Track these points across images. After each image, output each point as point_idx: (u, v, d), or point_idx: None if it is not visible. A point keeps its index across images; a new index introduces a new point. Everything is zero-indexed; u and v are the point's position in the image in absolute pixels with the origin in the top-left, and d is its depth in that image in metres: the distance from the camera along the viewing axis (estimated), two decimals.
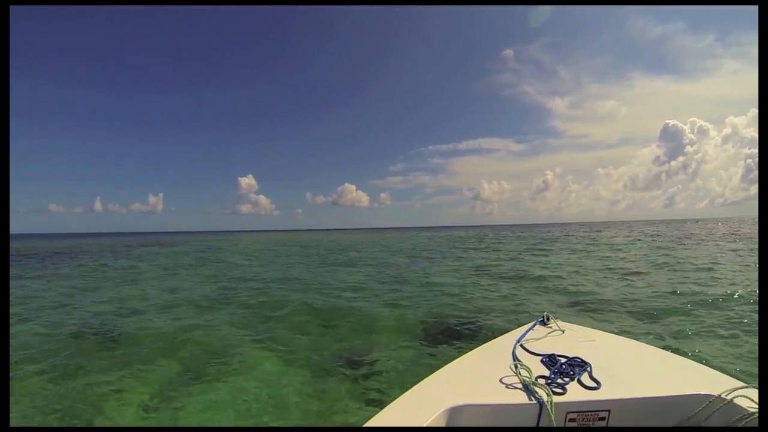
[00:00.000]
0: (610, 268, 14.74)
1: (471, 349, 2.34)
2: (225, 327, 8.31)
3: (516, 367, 1.96)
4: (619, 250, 23.74)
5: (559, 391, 1.75)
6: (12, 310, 10.11)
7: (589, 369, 1.95)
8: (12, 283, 14.99)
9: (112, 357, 6.57)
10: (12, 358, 6.41)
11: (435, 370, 2.03)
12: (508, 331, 2.66)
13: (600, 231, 63.78)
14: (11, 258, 29.67)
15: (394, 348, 6.35)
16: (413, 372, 5.10)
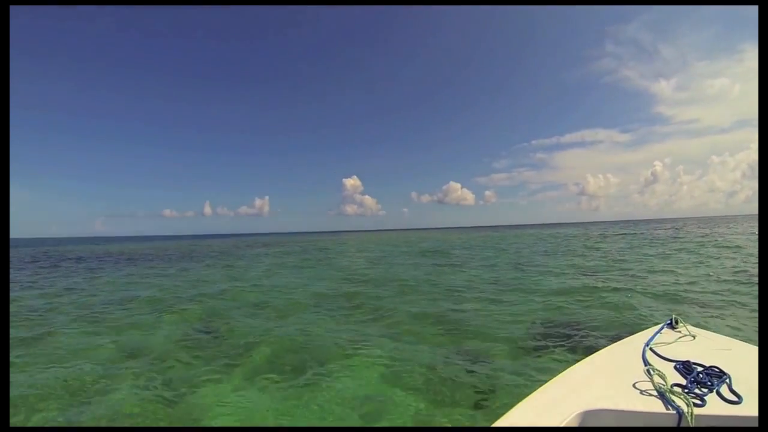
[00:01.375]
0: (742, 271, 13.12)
1: (588, 354, 2.28)
2: (328, 325, 8.55)
3: (649, 372, 1.94)
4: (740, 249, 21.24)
5: (698, 402, 1.68)
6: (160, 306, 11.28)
7: (728, 381, 1.84)
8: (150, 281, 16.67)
9: (219, 349, 7.08)
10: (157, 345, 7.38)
11: (556, 373, 2.02)
12: (634, 332, 2.63)
13: (718, 227, 58.42)
14: (143, 257, 33.59)
15: (503, 352, 6.30)
16: (527, 377, 5.11)
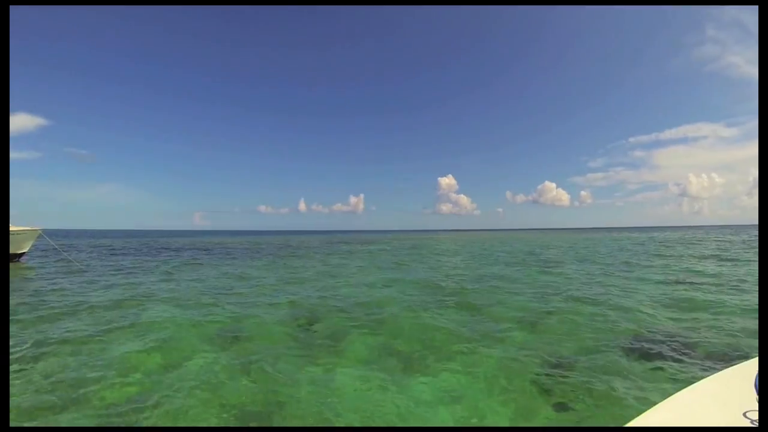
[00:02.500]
0: None
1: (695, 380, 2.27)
2: (429, 319, 8.97)
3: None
4: None
5: None
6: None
7: None
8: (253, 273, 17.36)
9: (322, 339, 7.75)
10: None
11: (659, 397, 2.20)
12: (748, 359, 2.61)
13: None
14: (240, 250, 35.66)
15: (599, 357, 6.30)
16: (626, 388, 5.11)
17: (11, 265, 22.15)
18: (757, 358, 2.45)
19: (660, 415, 1.82)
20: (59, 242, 27.23)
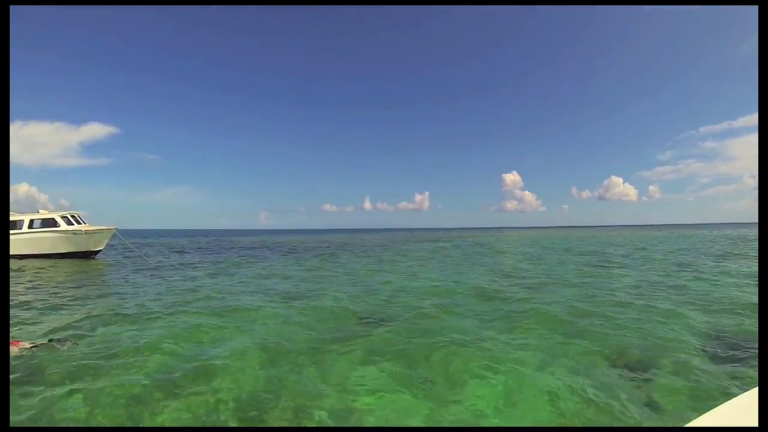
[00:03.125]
0: None
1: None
2: (482, 319, 9.12)
3: None
4: None
5: None
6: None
7: None
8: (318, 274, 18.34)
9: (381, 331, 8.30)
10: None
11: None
12: None
13: None
14: (307, 248, 36.67)
15: (676, 362, 6.18)
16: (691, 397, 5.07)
17: (88, 261, 25.10)
18: None
19: (721, 416, 1.73)
20: (131, 241, 29.76)
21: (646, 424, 4.36)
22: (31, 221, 26.38)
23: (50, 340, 7.63)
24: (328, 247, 43.08)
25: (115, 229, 26.96)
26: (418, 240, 60.87)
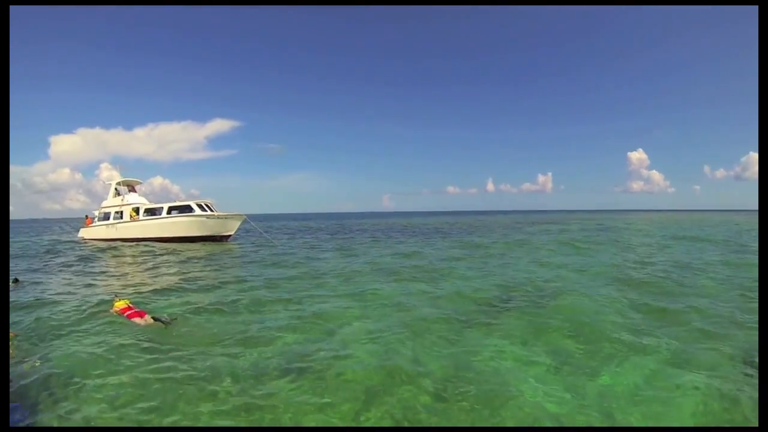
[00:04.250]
0: None
1: None
2: (619, 309, 8.62)
3: None
4: None
5: None
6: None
7: None
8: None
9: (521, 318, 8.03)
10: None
11: None
12: None
13: None
14: (435, 230, 37.15)
15: None
16: None
17: (221, 245, 26.54)
18: None
19: None
20: (260, 224, 30.95)
21: None
22: (170, 208, 28.63)
23: (156, 318, 7.93)
24: (455, 229, 42.33)
25: (245, 215, 28.36)
26: (542, 222, 57.90)
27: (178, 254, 20.94)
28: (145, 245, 26.09)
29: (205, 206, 27.97)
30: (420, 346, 6.42)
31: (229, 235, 28.23)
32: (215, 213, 27.66)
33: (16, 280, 12.86)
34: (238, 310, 8.95)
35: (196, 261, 18.40)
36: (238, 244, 26.87)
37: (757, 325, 6.94)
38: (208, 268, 15.93)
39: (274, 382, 5.23)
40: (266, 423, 4.38)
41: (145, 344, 6.55)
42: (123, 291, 11.17)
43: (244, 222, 28.50)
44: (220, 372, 5.47)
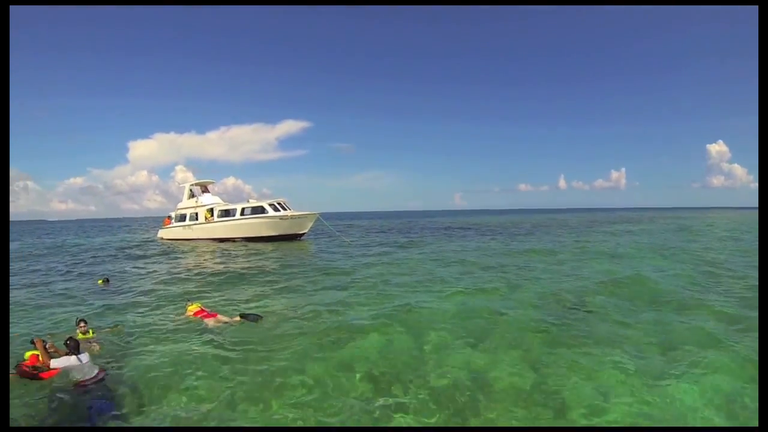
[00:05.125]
0: None
1: None
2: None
3: None
4: None
5: None
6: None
7: None
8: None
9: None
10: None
11: None
12: None
13: None
14: (500, 230, 35.94)
15: None
16: None
17: (294, 243, 26.37)
18: None
19: None
20: (331, 223, 30.69)
21: None
22: (243, 209, 28.72)
23: (242, 315, 8.33)
24: (527, 228, 40.59)
25: (318, 214, 27.98)
26: (616, 221, 54.23)
27: (252, 253, 21.56)
28: (221, 244, 26.80)
29: (278, 205, 27.84)
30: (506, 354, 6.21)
31: (302, 234, 28.07)
32: (288, 213, 27.51)
33: (106, 280, 13.53)
34: (313, 307, 9.13)
35: (269, 259, 18.78)
36: (311, 241, 26.94)
37: None
38: (281, 266, 16.27)
39: (350, 382, 5.30)
40: (333, 422, 4.44)
41: (220, 342, 6.89)
42: (199, 290, 11.90)
43: (317, 221, 28.21)
44: (296, 368, 5.64)
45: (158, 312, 9.28)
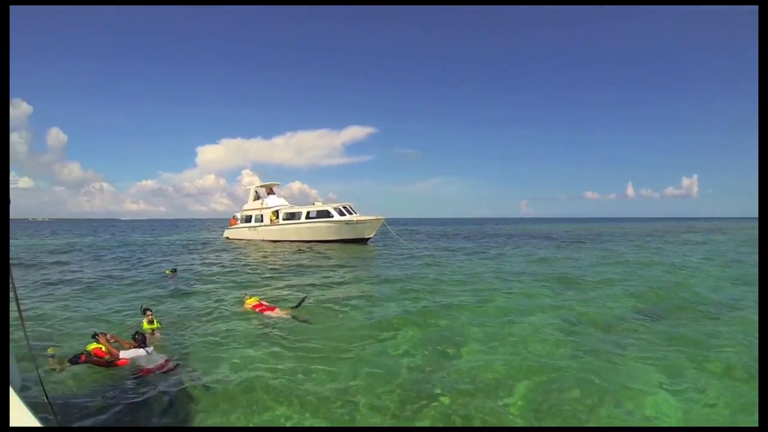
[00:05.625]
0: None
1: None
2: None
3: None
4: None
5: None
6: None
7: None
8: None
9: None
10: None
11: None
12: None
13: None
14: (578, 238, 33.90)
15: None
16: None
17: (358, 247, 25.93)
18: None
19: None
20: (395, 228, 30.18)
21: None
22: (308, 212, 28.65)
23: (295, 308, 8.56)
24: (594, 236, 38.84)
25: (383, 219, 27.45)
26: (687, 230, 50.61)
27: (315, 254, 21.95)
28: (285, 246, 26.89)
29: (344, 209, 27.62)
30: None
31: (367, 239, 27.63)
32: (354, 218, 27.20)
33: (174, 270, 14.60)
34: (367, 304, 9.37)
35: (331, 259, 19.27)
36: (375, 246, 26.68)
37: None
38: (342, 266, 16.59)
39: (399, 377, 5.27)
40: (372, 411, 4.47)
41: (278, 335, 7.08)
42: (259, 285, 12.37)
43: (382, 225, 27.70)
44: (351, 364, 5.66)
45: (219, 304, 9.64)
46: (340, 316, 8.40)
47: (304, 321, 7.89)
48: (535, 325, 7.46)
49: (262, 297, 9.58)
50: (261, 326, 7.62)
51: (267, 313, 8.40)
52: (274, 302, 9.30)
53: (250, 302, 8.97)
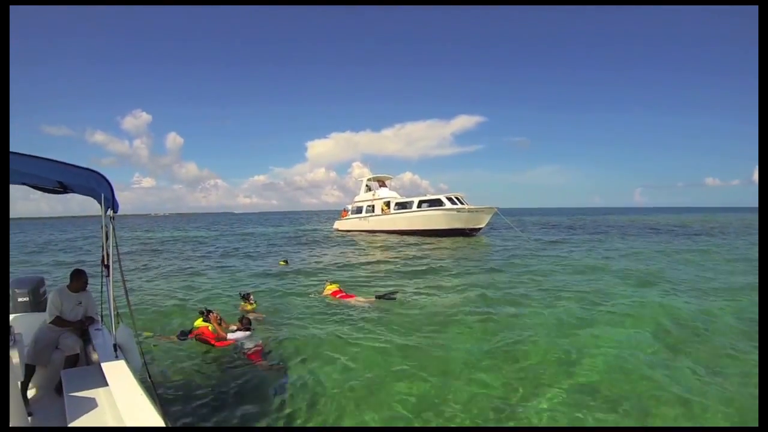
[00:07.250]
0: None
1: None
2: None
3: None
4: None
5: None
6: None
7: None
8: None
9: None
10: None
11: None
12: None
13: None
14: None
15: None
16: None
17: (467, 238, 26.08)
18: None
19: None
20: (509, 218, 29.71)
21: None
22: (420, 202, 29.01)
23: (377, 297, 9.03)
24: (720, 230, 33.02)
25: (496, 208, 27.16)
26: None
27: (425, 243, 22.36)
28: (395, 236, 27.59)
29: (455, 199, 27.59)
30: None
31: (479, 228, 27.49)
32: (466, 206, 27.08)
33: (286, 261, 15.74)
34: (464, 298, 9.30)
35: (439, 249, 19.46)
36: (488, 237, 26.49)
37: None
38: (449, 256, 17.07)
39: (479, 369, 5.22)
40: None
41: (359, 319, 7.57)
42: (361, 275, 12.90)
43: (495, 215, 27.48)
44: (430, 356, 5.69)
45: (314, 292, 10.02)
46: (426, 305, 8.53)
47: (384, 306, 8.40)
48: None
49: (341, 284, 10.05)
50: (343, 313, 8.02)
51: (347, 300, 9.02)
52: (355, 290, 9.91)
53: (330, 288, 9.60)
